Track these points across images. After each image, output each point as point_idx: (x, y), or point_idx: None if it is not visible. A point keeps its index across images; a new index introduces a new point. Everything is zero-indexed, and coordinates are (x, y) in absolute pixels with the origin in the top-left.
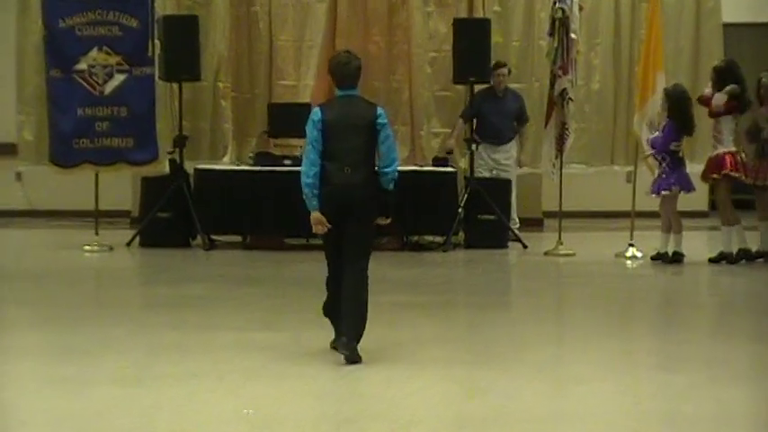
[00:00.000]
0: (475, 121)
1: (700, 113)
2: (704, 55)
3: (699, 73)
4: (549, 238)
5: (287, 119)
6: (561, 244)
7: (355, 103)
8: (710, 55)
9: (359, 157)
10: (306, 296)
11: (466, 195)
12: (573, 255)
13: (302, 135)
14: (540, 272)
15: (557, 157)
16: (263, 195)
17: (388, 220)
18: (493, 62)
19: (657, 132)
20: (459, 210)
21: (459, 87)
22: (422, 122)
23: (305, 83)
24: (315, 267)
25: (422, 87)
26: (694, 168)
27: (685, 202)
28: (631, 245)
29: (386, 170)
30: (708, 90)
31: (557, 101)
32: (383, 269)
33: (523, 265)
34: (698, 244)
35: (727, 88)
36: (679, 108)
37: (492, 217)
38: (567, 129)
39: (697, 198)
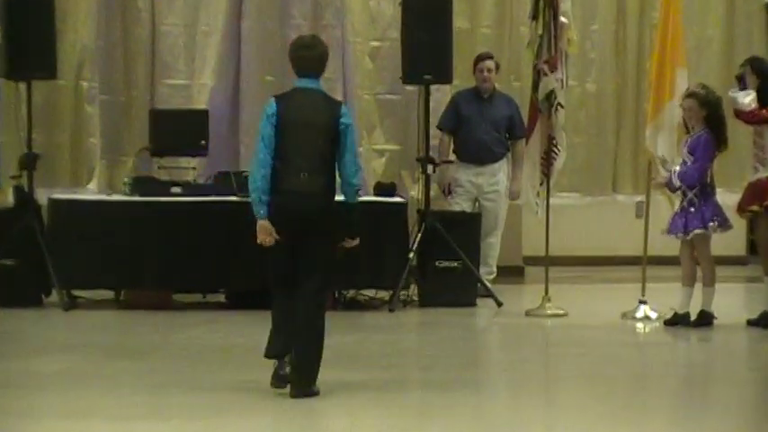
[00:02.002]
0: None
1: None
2: (740, 46)
3: (733, 70)
4: (532, 293)
5: (176, 131)
6: (548, 300)
7: (316, 98)
8: (749, 46)
9: (318, 160)
10: (202, 371)
11: (420, 234)
12: (564, 315)
13: (198, 153)
14: (521, 339)
15: (542, 184)
16: (143, 236)
17: (355, 242)
18: (476, 54)
19: (684, 162)
20: (411, 254)
21: (411, 89)
22: (362, 136)
23: (201, 82)
24: (213, 332)
25: (360, 88)
26: (725, 198)
27: (713, 244)
28: (643, 302)
29: (351, 180)
30: (742, 95)
31: (542, 107)
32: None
33: (498, 330)
34: (732, 301)
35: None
36: (717, 117)
37: (455, 264)
38: (555, 145)
39: (731, 239)
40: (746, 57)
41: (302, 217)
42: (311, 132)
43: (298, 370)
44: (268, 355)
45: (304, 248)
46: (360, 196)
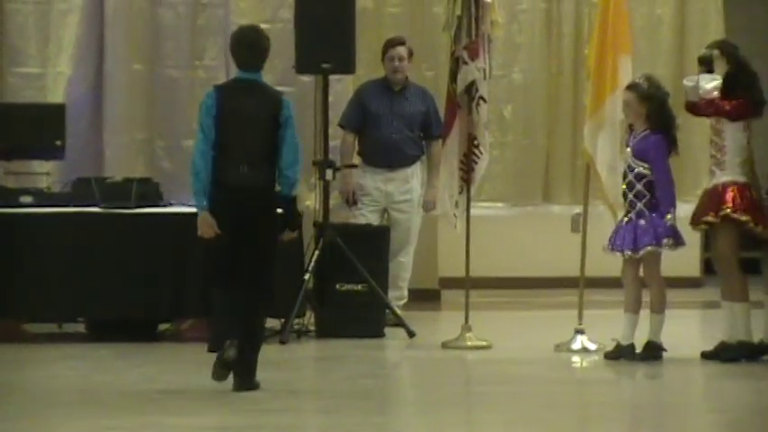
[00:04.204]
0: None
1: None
2: (694, 27)
3: (686, 58)
4: (450, 321)
5: (26, 129)
6: (469, 330)
7: (257, 90)
8: (703, 27)
9: (257, 154)
10: (58, 417)
11: (317, 252)
12: (487, 347)
13: (53, 155)
14: (437, 376)
15: (462, 192)
16: None
17: (294, 234)
18: (386, 39)
19: (630, 169)
20: (307, 276)
21: (307, 79)
22: None
23: (57, 71)
24: (71, 369)
25: None
26: (677, 209)
27: (663, 263)
28: (580, 331)
29: (285, 173)
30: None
31: (461, 101)
32: (184, 373)
33: (410, 365)
34: (684, 330)
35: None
36: (661, 116)
37: (359, 287)
38: (477, 146)
39: (683, 257)
40: (701, 39)
41: (241, 211)
42: (251, 125)
43: (243, 364)
44: (212, 350)
45: (247, 244)
46: (295, 189)
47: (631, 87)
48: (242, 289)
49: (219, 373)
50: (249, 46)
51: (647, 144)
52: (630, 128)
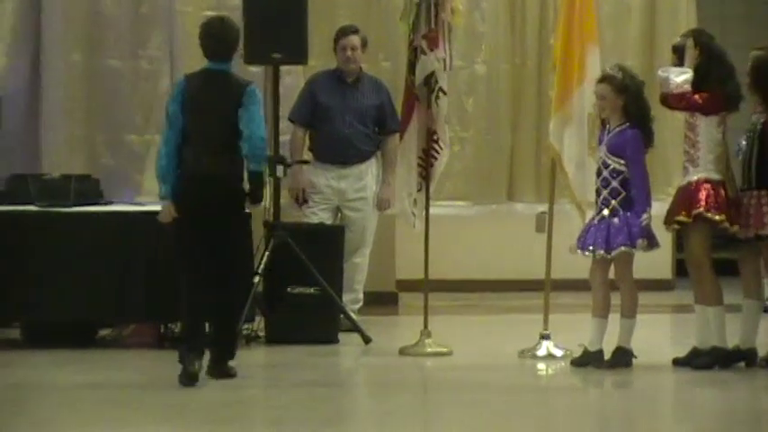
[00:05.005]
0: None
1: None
2: (665, 16)
3: (656, 48)
4: (408, 326)
5: None
6: (428, 336)
7: (223, 80)
8: (674, 15)
9: (220, 143)
10: None
11: (267, 253)
12: (448, 354)
13: None
14: (394, 384)
15: (420, 190)
16: None
17: (256, 206)
18: (339, 27)
19: (605, 165)
20: (256, 278)
21: (255, 70)
22: None
23: None
24: (5, 376)
25: (190, 69)
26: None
27: (633, 265)
28: (545, 337)
29: (244, 146)
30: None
31: (420, 94)
32: (126, 381)
33: (366, 373)
34: (655, 335)
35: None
36: (638, 107)
37: (312, 290)
38: (436, 141)
39: (654, 259)
40: (672, 28)
41: (204, 202)
42: (213, 114)
43: (219, 349)
44: (188, 350)
45: (216, 235)
46: (258, 163)
47: (606, 79)
48: (211, 288)
49: (187, 382)
50: (216, 36)
51: (623, 139)
52: (603, 122)
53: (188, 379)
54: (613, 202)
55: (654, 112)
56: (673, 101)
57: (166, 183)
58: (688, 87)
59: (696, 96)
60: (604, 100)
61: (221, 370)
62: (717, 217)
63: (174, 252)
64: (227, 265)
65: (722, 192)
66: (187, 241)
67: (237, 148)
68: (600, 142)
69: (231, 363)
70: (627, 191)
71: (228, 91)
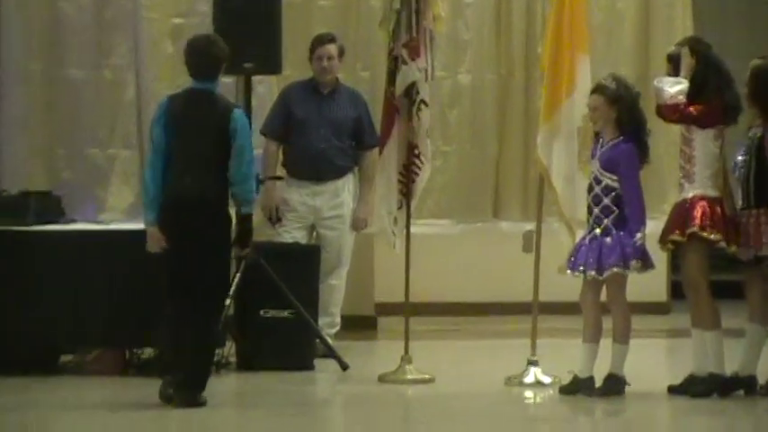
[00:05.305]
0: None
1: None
2: (659, 24)
3: (651, 57)
4: (388, 351)
5: None
6: (409, 362)
7: (208, 100)
8: (670, 24)
9: (204, 166)
10: None
11: (238, 275)
12: (430, 381)
13: None
14: (373, 413)
15: (401, 208)
16: None
17: (246, 251)
18: (314, 35)
19: (597, 181)
20: (228, 301)
21: (227, 81)
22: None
23: None
24: None
25: (158, 80)
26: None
27: (627, 287)
28: (533, 363)
29: (233, 189)
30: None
31: (400, 105)
32: (88, 410)
33: (343, 402)
34: (650, 361)
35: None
36: (633, 119)
37: (286, 313)
38: (418, 155)
39: (648, 280)
40: (667, 37)
41: (186, 225)
42: (197, 135)
43: (188, 378)
44: (165, 371)
45: (196, 258)
46: (247, 206)
47: (598, 89)
48: (192, 305)
49: (165, 401)
50: (199, 54)
51: (616, 154)
52: (597, 135)
53: (165, 400)
54: (606, 220)
55: (649, 125)
56: (666, 112)
57: (154, 209)
58: (682, 98)
59: (691, 108)
60: (596, 111)
61: (190, 398)
62: (713, 236)
63: (161, 277)
64: (205, 293)
65: (719, 209)
66: (173, 266)
67: (222, 171)
68: (592, 156)
69: (201, 396)
70: (620, 208)
71: (213, 112)
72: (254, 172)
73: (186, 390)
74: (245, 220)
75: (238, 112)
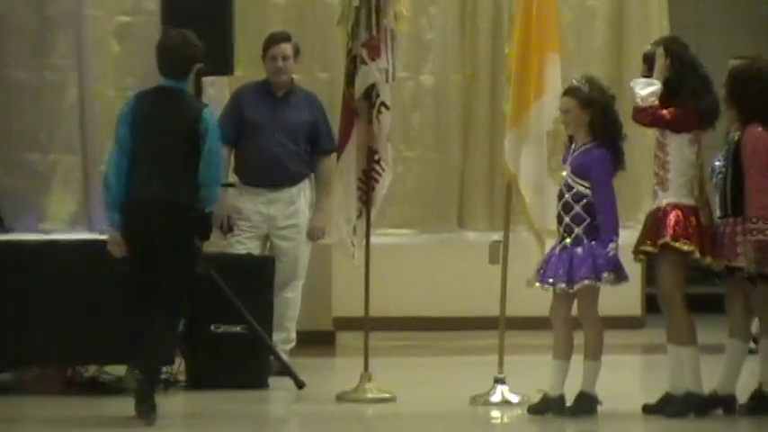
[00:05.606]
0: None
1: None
2: (633, 22)
3: (624, 58)
4: (347, 369)
5: None
6: (368, 380)
7: (177, 99)
8: (645, 21)
9: (171, 167)
10: None
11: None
12: (391, 400)
13: None
14: None
15: (359, 216)
16: None
17: (203, 241)
18: (268, 34)
19: (568, 187)
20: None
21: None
22: (104, 149)
23: None
24: None
25: (102, 80)
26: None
27: (600, 300)
28: (500, 381)
29: (201, 191)
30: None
31: (359, 108)
32: None
33: (299, 422)
34: (623, 379)
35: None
36: (607, 123)
37: (238, 329)
38: (378, 161)
39: (622, 293)
40: (641, 36)
41: (153, 229)
42: (165, 136)
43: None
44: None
45: (163, 262)
46: (211, 206)
47: (570, 92)
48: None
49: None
50: (169, 50)
51: (589, 159)
52: (570, 140)
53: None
54: (577, 229)
55: (625, 129)
56: (637, 115)
57: (116, 210)
58: (654, 100)
59: (664, 111)
60: (568, 114)
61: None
62: (686, 247)
63: (126, 286)
64: (170, 297)
65: (693, 219)
66: (137, 272)
67: (192, 173)
68: (564, 161)
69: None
70: (592, 217)
71: (183, 112)
72: (221, 175)
73: (137, 375)
74: (208, 216)
75: (209, 113)
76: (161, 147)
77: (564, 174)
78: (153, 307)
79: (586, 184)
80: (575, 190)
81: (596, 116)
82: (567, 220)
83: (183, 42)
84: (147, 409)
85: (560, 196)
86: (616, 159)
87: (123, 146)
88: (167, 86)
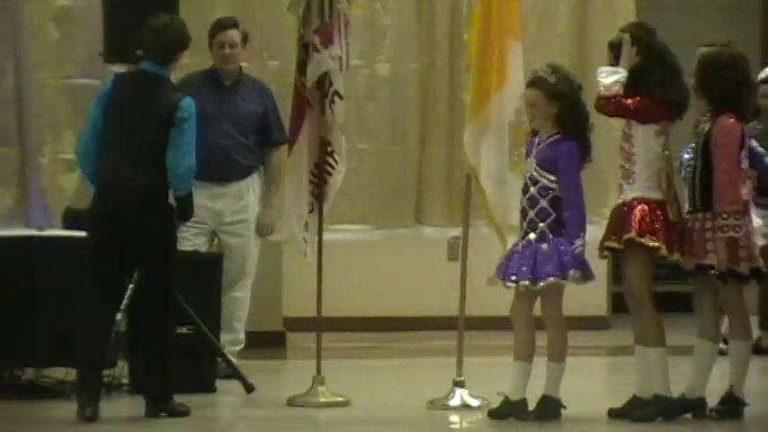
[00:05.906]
0: None
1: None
2: (598, 10)
3: (589, 44)
4: (298, 372)
5: None
6: (321, 383)
7: (155, 84)
8: (610, 6)
9: (143, 153)
10: None
11: (131, 286)
12: (344, 404)
13: None
14: None
15: (311, 211)
16: None
17: (185, 222)
18: (215, 20)
19: (533, 182)
20: (118, 315)
21: (117, 70)
22: (43, 141)
23: None
24: None
25: (40, 68)
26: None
27: (564, 299)
28: (459, 384)
29: (174, 182)
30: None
31: (311, 97)
32: None
33: (247, 427)
34: (588, 381)
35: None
36: (575, 115)
37: (184, 329)
38: (331, 153)
39: (586, 292)
40: (606, 21)
41: (122, 217)
42: (141, 120)
43: (154, 384)
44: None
45: (136, 257)
46: (183, 189)
47: (536, 83)
48: (140, 310)
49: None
50: (155, 31)
51: (556, 152)
52: (534, 132)
53: (86, 421)
54: (541, 224)
55: (591, 119)
56: (601, 105)
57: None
58: (618, 89)
59: (629, 101)
60: (534, 107)
61: (162, 409)
62: (651, 243)
63: (88, 278)
64: (148, 294)
65: (660, 214)
66: (103, 264)
67: (162, 159)
68: (528, 154)
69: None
70: (558, 212)
71: (161, 98)
72: (192, 161)
73: (155, 403)
74: (181, 200)
75: (188, 102)
76: (132, 131)
77: (527, 167)
78: (145, 308)
79: (553, 178)
80: (540, 183)
81: (564, 109)
82: (531, 214)
83: (171, 26)
84: (155, 410)
85: (525, 190)
86: (583, 151)
87: (94, 126)
88: (148, 70)
